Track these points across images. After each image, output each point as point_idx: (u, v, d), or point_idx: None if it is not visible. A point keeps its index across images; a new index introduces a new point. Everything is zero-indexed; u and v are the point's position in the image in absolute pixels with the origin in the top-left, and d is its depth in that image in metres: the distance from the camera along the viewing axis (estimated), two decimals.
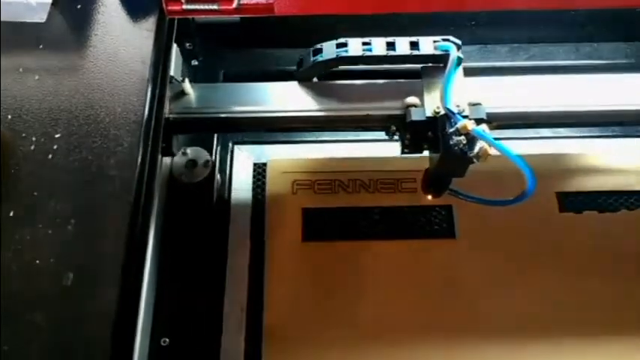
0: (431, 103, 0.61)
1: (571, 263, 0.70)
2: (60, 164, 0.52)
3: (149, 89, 0.55)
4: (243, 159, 0.78)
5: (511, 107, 0.64)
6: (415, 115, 0.60)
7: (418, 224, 0.73)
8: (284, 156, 0.78)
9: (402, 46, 0.62)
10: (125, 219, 0.50)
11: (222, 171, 0.75)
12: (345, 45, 0.63)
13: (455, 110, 0.58)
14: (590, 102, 0.65)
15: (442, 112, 0.59)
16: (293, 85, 0.65)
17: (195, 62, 0.79)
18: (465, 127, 0.55)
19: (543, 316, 0.67)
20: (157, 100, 0.56)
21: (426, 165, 0.69)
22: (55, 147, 0.52)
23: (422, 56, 0.62)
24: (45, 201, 0.50)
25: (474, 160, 0.57)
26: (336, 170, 0.76)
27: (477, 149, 0.55)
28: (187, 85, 0.65)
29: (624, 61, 0.79)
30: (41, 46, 0.58)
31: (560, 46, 0.80)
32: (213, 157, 0.74)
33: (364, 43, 0.62)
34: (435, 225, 0.73)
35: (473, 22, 0.80)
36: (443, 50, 0.61)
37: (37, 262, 0.48)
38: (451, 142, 0.56)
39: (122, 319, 0.48)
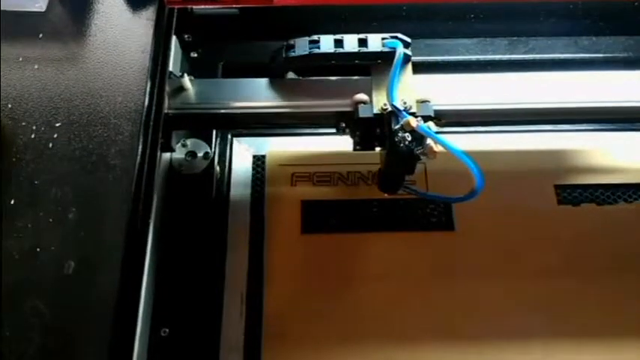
0: (379, 101, 0.61)
1: (570, 256, 0.70)
2: (60, 153, 0.52)
3: (149, 78, 0.55)
4: (243, 151, 0.78)
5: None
6: (363, 112, 0.61)
7: (417, 216, 0.73)
8: (283, 148, 0.77)
9: (351, 43, 0.62)
10: (126, 208, 0.50)
11: (222, 163, 0.75)
12: (293, 46, 0.63)
13: (401, 107, 0.58)
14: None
15: (389, 109, 0.59)
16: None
17: (194, 54, 0.79)
18: (408, 124, 0.56)
19: (542, 308, 0.67)
20: (157, 89, 0.56)
21: (424, 159, 0.70)
22: (55, 136, 0.53)
23: (370, 53, 0.62)
24: (45, 189, 0.50)
25: (421, 157, 0.57)
26: (335, 162, 0.76)
27: (425, 146, 0.56)
28: (186, 81, 0.65)
29: (623, 55, 0.79)
30: (41, 36, 0.58)
31: (559, 40, 0.80)
32: (213, 149, 0.74)
33: (312, 42, 0.62)
34: (433, 217, 0.73)
35: (472, 16, 0.80)
36: (390, 47, 0.61)
37: (38, 250, 0.48)
38: (396, 139, 0.57)
39: (122, 308, 0.48)
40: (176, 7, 0.63)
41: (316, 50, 0.62)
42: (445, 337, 0.66)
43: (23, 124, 0.53)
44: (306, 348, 0.65)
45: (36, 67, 0.56)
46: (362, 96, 0.62)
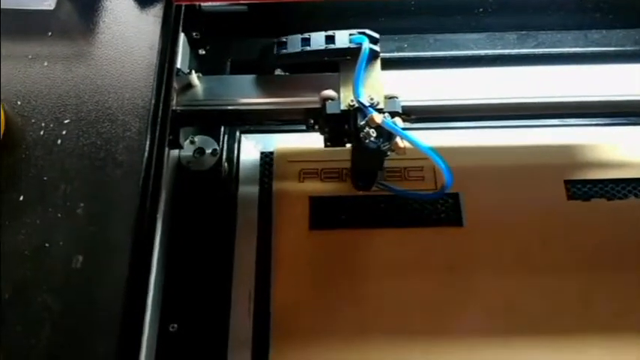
0: (346, 97, 0.61)
1: (579, 251, 0.69)
2: (69, 149, 0.52)
3: (156, 75, 0.56)
4: (250, 148, 0.78)
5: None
6: (330, 109, 0.61)
7: (425, 212, 0.73)
8: (291, 145, 0.77)
9: (318, 40, 0.62)
10: (133, 203, 0.51)
11: (230, 159, 0.75)
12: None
13: (367, 103, 0.58)
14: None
15: (356, 105, 0.59)
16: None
17: (202, 51, 0.79)
18: (373, 120, 0.56)
19: (551, 305, 0.67)
20: (165, 86, 0.56)
21: None
22: (64, 132, 0.53)
23: (337, 50, 0.62)
24: (54, 185, 0.51)
25: (388, 152, 0.57)
26: (343, 159, 0.75)
27: (391, 142, 0.56)
28: (194, 77, 0.65)
29: (634, 48, 0.78)
30: (50, 34, 0.58)
31: (568, 33, 0.79)
32: (221, 145, 0.74)
33: (280, 43, 0.63)
34: (442, 213, 0.73)
35: (480, 10, 0.79)
36: (356, 43, 0.61)
37: (47, 245, 0.48)
38: (361, 135, 0.57)
39: (130, 304, 0.49)
40: (183, 3, 0.63)
41: (283, 51, 0.63)
42: (454, 333, 0.66)
43: (32, 120, 0.53)
44: (314, 344, 0.66)
45: (45, 64, 0.56)
46: (329, 92, 0.62)
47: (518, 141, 0.77)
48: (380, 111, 0.58)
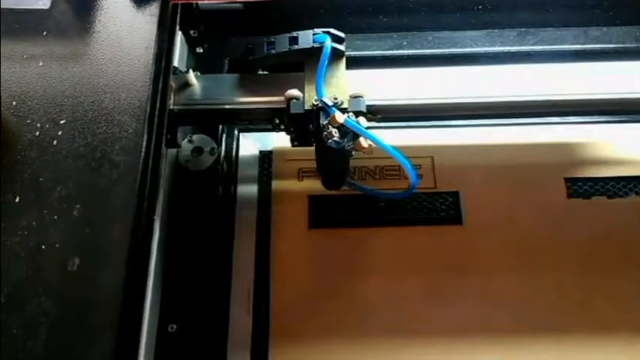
0: (311, 96, 0.61)
1: (579, 249, 0.69)
2: (65, 150, 0.52)
3: (153, 74, 0.55)
4: (249, 147, 0.78)
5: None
6: (294, 108, 0.61)
7: (425, 211, 0.72)
8: (290, 144, 0.77)
9: (282, 43, 0.63)
10: (131, 204, 0.50)
11: (228, 159, 0.75)
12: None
13: (330, 103, 0.58)
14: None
15: (319, 104, 0.59)
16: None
17: (200, 50, 0.78)
18: (334, 119, 0.56)
19: (551, 303, 0.66)
20: (161, 86, 0.56)
21: (432, 152, 0.70)
22: (60, 133, 0.53)
23: (301, 50, 0.62)
24: (50, 186, 0.50)
25: (352, 152, 0.57)
26: None
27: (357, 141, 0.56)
28: (191, 76, 0.65)
29: (634, 45, 0.77)
30: (45, 33, 0.58)
31: (568, 30, 0.79)
32: (219, 145, 0.74)
33: (247, 50, 0.64)
34: (441, 211, 0.72)
35: (479, 7, 0.79)
36: (319, 42, 0.61)
37: (43, 247, 0.48)
38: (323, 135, 0.56)
39: (129, 305, 0.48)
40: (180, 2, 0.62)
41: (250, 57, 0.64)
42: (453, 332, 0.65)
43: (28, 121, 0.53)
44: (313, 343, 0.65)
45: (40, 64, 0.56)
46: (294, 92, 0.62)
47: (518, 139, 0.77)
48: (344, 110, 0.58)
